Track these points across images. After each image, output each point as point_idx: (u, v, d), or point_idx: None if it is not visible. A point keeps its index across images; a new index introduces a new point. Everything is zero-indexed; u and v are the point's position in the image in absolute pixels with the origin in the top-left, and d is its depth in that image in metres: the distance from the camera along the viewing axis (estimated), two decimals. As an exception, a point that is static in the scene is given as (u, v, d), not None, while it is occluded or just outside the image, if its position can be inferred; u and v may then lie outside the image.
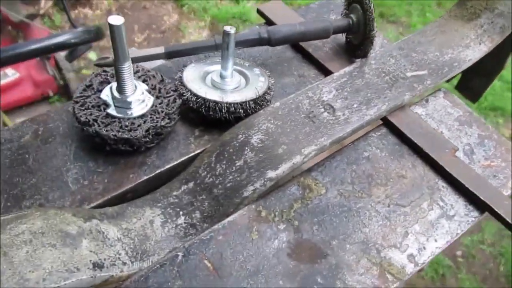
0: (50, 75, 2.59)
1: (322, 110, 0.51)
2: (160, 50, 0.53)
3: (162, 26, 3.20)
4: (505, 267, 2.16)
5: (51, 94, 2.65)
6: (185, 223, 0.46)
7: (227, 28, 0.47)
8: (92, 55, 2.99)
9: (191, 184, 0.48)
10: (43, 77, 2.59)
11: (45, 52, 1.33)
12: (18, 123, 0.51)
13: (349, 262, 0.43)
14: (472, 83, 0.71)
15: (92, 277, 0.37)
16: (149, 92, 0.49)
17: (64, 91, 2.61)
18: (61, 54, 2.70)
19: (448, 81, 0.62)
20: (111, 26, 0.40)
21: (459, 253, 2.13)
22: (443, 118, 0.55)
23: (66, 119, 0.52)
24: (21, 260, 0.34)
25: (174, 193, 0.48)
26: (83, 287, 0.37)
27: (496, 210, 0.46)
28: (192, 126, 0.52)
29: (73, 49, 1.93)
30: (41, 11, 3.08)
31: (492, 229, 2.15)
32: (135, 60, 0.54)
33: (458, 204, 0.48)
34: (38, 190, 0.45)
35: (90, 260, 0.38)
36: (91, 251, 0.39)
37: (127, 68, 0.44)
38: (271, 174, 0.45)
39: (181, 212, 0.47)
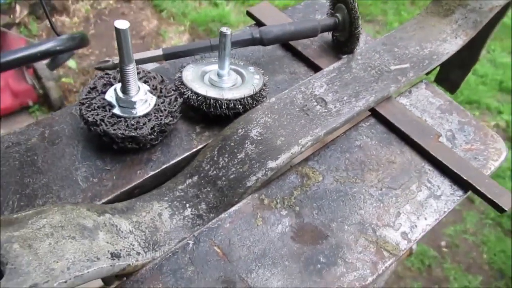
0: (29, 85, 2.55)
1: (315, 103, 0.54)
2: (159, 52, 0.56)
3: (141, 32, 3.20)
4: (487, 255, 2.25)
5: (30, 104, 2.61)
6: (192, 214, 0.49)
7: (224, 29, 0.50)
8: (72, 64, 2.97)
9: (195, 178, 0.51)
10: (22, 87, 2.55)
11: (31, 60, 1.34)
12: (23, 127, 0.52)
13: (348, 242, 0.46)
14: (450, 75, 0.75)
15: (111, 266, 0.39)
16: (151, 92, 0.52)
17: (44, 101, 2.58)
18: (42, 63, 2.68)
19: (427, 74, 0.66)
20: (117, 30, 0.43)
21: (443, 243, 2.21)
22: (425, 107, 0.59)
23: (70, 121, 0.54)
24: (45, 251, 0.37)
25: (180, 187, 0.51)
26: (103, 275, 0.39)
27: (479, 188, 0.50)
28: (193, 123, 0.55)
29: (55, 57, 1.93)
30: (17, 20, 3.04)
31: (473, 218, 2.23)
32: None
33: (444, 185, 0.52)
34: (50, 189, 0.47)
35: (108, 251, 0.41)
36: (107, 242, 0.41)
37: (132, 70, 0.47)
38: (272, 164, 0.48)
39: (187, 205, 0.49)
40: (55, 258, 0.36)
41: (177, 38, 3.18)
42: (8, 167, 0.48)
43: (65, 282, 0.35)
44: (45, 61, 2.72)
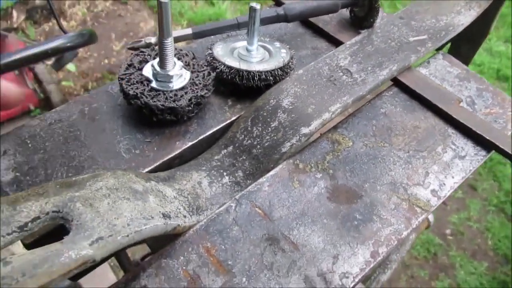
0: (30, 89, 2.56)
1: (341, 74, 0.56)
2: (189, 31, 0.58)
3: (139, 33, 3.22)
4: (492, 241, 2.28)
5: (32, 108, 2.63)
6: (229, 181, 0.51)
7: (253, 4, 0.52)
8: (71, 67, 2.98)
9: (230, 148, 0.53)
10: (23, 91, 2.55)
11: (42, 58, 1.36)
12: (63, 105, 0.55)
13: (381, 200, 0.49)
14: (461, 49, 0.78)
15: (164, 224, 0.42)
16: (185, 68, 0.54)
17: (45, 104, 2.60)
18: (41, 67, 2.69)
19: (438, 49, 0.68)
20: (159, 3, 0.45)
21: (448, 231, 2.24)
22: (444, 76, 0.62)
23: (107, 99, 0.56)
24: (106, 209, 0.39)
25: (216, 157, 0.53)
26: (158, 233, 0.41)
27: (502, 147, 0.52)
28: (224, 97, 0.57)
29: (60, 57, 1.95)
30: (14, 25, 3.06)
31: (476, 206, 2.26)
32: (165, 42, 0.58)
33: (468, 146, 0.54)
34: (95, 161, 0.49)
35: (159, 211, 0.43)
36: (157, 205, 0.44)
37: (170, 44, 0.49)
38: (305, 130, 0.51)
39: (224, 173, 0.52)
40: (115, 215, 0.39)
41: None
42: (53, 142, 0.51)
43: (127, 236, 0.38)
44: (45, 63, 2.73)
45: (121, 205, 0.40)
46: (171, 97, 0.51)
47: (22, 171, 0.48)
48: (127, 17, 3.31)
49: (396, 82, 0.59)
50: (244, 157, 0.52)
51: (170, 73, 0.51)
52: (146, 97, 0.50)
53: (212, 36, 0.62)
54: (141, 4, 3.40)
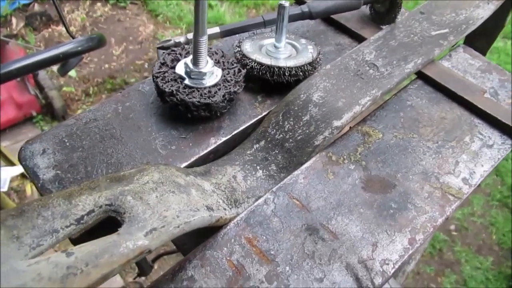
0: (32, 95, 2.57)
1: (368, 68, 0.58)
2: (217, 29, 0.59)
3: (138, 37, 3.23)
4: (496, 236, 2.29)
5: (34, 114, 2.63)
6: (263, 175, 0.52)
7: (283, 1, 0.54)
8: (72, 72, 2.98)
9: (262, 143, 0.54)
10: (25, 98, 2.57)
11: (54, 62, 1.37)
12: (97, 105, 0.56)
13: (415, 189, 0.50)
14: (476, 43, 0.79)
15: (209, 216, 0.43)
16: (216, 65, 0.55)
17: (47, 111, 2.61)
18: (43, 73, 2.70)
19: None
20: (196, 1, 0.46)
21: (452, 227, 2.25)
22: (466, 68, 0.63)
23: (139, 97, 0.57)
24: (155, 202, 0.40)
25: (248, 152, 0.54)
26: (204, 224, 0.42)
27: (529, 135, 0.54)
28: (254, 93, 0.58)
29: (65, 62, 1.97)
30: (14, 32, 3.07)
31: (480, 201, 2.28)
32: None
33: (494, 135, 0.55)
34: (133, 157, 0.50)
35: (203, 204, 0.44)
36: (200, 198, 0.45)
37: (204, 41, 0.50)
38: (337, 123, 0.52)
39: (258, 167, 0.53)
40: (164, 208, 0.40)
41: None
42: (90, 140, 0.52)
43: (178, 227, 0.39)
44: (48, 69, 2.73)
45: (168, 198, 0.41)
46: (205, 94, 0.52)
47: (63, 169, 0.49)
48: (126, 21, 3.33)
49: (420, 75, 0.61)
50: (277, 151, 0.53)
51: (204, 70, 0.52)
52: (182, 94, 0.51)
53: (237, 35, 0.63)
54: (140, 9, 3.42)
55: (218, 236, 0.45)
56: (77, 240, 0.38)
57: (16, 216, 0.34)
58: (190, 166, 0.51)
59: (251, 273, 0.42)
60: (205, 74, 0.52)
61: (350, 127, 0.56)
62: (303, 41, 0.60)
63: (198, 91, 0.52)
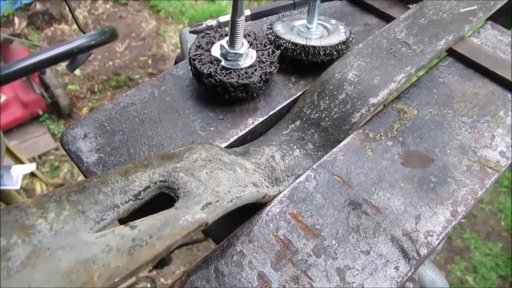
0: (37, 94, 2.57)
1: (400, 46, 0.58)
2: (248, 12, 0.60)
3: (141, 33, 3.24)
4: (505, 222, 2.29)
5: (40, 113, 2.64)
6: (301, 154, 0.53)
7: (315, -20, 0.54)
8: (76, 71, 2.98)
9: (297, 122, 0.55)
10: (31, 97, 2.58)
11: (68, 56, 1.38)
12: (133, 90, 0.56)
13: (453, 163, 0.50)
14: (499, 21, 0.79)
15: (257, 191, 0.44)
16: (250, 47, 0.55)
17: (53, 109, 2.61)
18: (48, 71, 2.70)
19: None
20: (235, -19, 0.47)
21: (461, 214, 2.25)
22: (496, 45, 0.63)
23: (174, 81, 0.57)
24: (206, 178, 0.41)
25: (284, 132, 0.55)
26: (252, 200, 0.43)
27: None
28: (287, 75, 0.59)
29: (74, 59, 1.98)
30: (17, 31, 3.08)
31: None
32: (224, 24, 0.60)
33: (529, 109, 0.56)
34: (174, 140, 0.51)
35: (249, 181, 0.45)
36: (245, 175, 0.45)
37: (242, 22, 0.51)
38: (373, 100, 0.52)
39: (294, 147, 0.53)
40: (215, 184, 0.40)
41: (177, 36, 3.22)
42: (130, 124, 0.52)
43: (231, 201, 0.40)
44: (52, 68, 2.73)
45: (217, 174, 0.42)
46: (242, 75, 0.52)
47: (105, 152, 0.50)
48: (128, 18, 3.33)
49: (450, 52, 0.61)
50: (313, 130, 0.54)
51: (240, 51, 0.52)
52: (220, 75, 0.51)
53: (264, 18, 0.63)
54: (141, 5, 3.42)
55: (263, 213, 0.46)
56: (124, 220, 0.38)
57: (79, 192, 0.35)
58: (229, 146, 0.52)
59: (299, 247, 0.43)
60: (241, 55, 0.53)
61: (384, 105, 0.56)
62: (333, 21, 0.60)
63: (235, 72, 0.52)
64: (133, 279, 1.98)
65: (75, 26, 3.18)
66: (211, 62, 0.53)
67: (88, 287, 0.29)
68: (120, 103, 0.54)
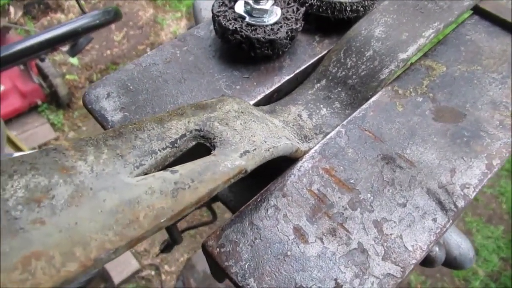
0: (36, 84, 2.54)
1: (426, 2, 0.57)
2: (269, -30, 0.58)
3: (139, 22, 3.20)
4: (506, 205, 2.30)
5: (39, 103, 2.61)
6: (328, 112, 0.52)
7: None
8: (74, 60, 2.96)
9: (323, 82, 0.54)
10: (29, 87, 2.54)
11: (72, 36, 1.35)
12: (154, 50, 0.55)
13: (485, 117, 0.49)
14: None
15: (291, 144, 0.42)
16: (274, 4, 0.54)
17: (52, 99, 2.59)
18: (46, 60, 2.66)
19: None
20: None
21: (463, 197, 2.25)
22: (522, 3, 0.62)
23: (196, 42, 0.56)
24: (241, 128, 0.39)
25: (309, 91, 0.54)
26: (287, 152, 0.42)
27: None
28: (311, 34, 0.57)
29: (75, 43, 1.95)
30: (13, 21, 3.03)
31: (490, 171, 2.28)
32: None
33: (559, 65, 0.55)
34: (199, 98, 0.50)
35: (282, 134, 0.44)
36: (276, 129, 0.44)
37: (267, -25, 0.49)
38: (403, 55, 0.51)
39: (321, 105, 0.52)
40: (250, 134, 0.39)
41: (175, 24, 3.19)
42: (153, 83, 0.51)
43: (268, 150, 0.38)
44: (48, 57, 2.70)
45: (251, 125, 0.41)
46: (269, 31, 0.51)
47: (130, 111, 0.48)
48: (125, 6, 3.29)
49: (476, 9, 0.60)
50: (340, 89, 0.52)
51: (265, 7, 0.51)
52: (246, 31, 0.50)
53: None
54: (138, -7, 3.37)
55: (294, 169, 0.45)
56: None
57: (115, 137, 0.34)
58: (256, 104, 0.51)
59: (334, 201, 0.42)
60: (266, 11, 0.51)
61: (411, 63, 0.55)
62: (356, -20, 0.59)
63: (261, 28, 0.51)
64: (138, 266, 1.98)
65: (71, 15, 3.15)
66: (235, 19, 0.52)
67: (135, 226, 0.28)
68: (141, 63, 0.53)
